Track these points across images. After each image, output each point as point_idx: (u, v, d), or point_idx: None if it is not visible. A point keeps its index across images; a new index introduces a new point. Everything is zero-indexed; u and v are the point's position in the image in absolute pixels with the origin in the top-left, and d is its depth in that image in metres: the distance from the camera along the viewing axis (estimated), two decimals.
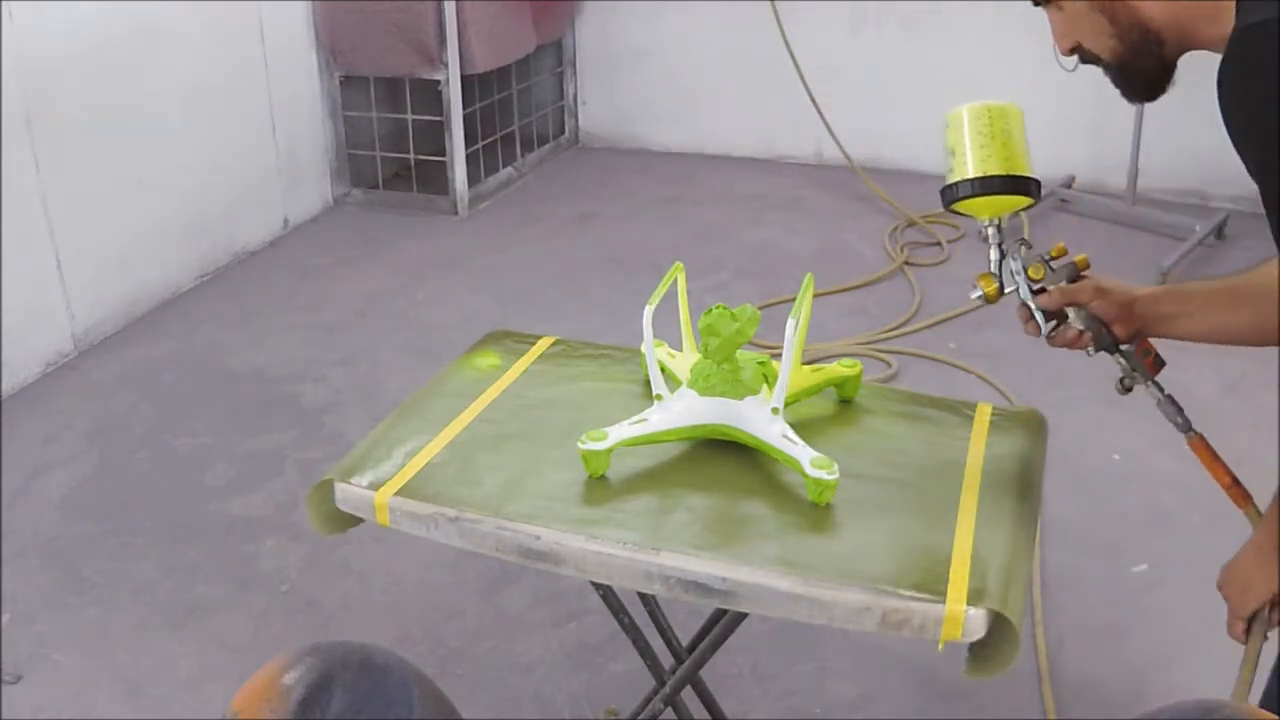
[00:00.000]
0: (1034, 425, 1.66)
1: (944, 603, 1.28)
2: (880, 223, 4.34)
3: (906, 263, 4.00)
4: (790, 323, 1.49)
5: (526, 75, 5.14)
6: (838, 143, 4.65)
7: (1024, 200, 1.41)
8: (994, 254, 1.46)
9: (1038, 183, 1.41)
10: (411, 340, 3.65)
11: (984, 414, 1.67)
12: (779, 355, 1.56)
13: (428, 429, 1.65)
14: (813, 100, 4.58)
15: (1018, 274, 1.45)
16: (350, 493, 1.54)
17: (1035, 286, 1.45)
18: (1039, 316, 1.45)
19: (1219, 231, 4.09)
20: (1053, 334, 1.46)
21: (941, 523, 1.42)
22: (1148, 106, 3.96)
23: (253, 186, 4.31)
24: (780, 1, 4.52)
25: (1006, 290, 1.46)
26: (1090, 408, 3.12)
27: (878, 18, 4.69)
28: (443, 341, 3.52)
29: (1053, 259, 1.45)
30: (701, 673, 1.82)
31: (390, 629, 2.41)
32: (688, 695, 1.84)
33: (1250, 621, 1.45)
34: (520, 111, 5.09)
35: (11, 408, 3.27)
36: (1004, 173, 1.38)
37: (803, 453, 1.46)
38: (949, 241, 4.17)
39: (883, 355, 3.40)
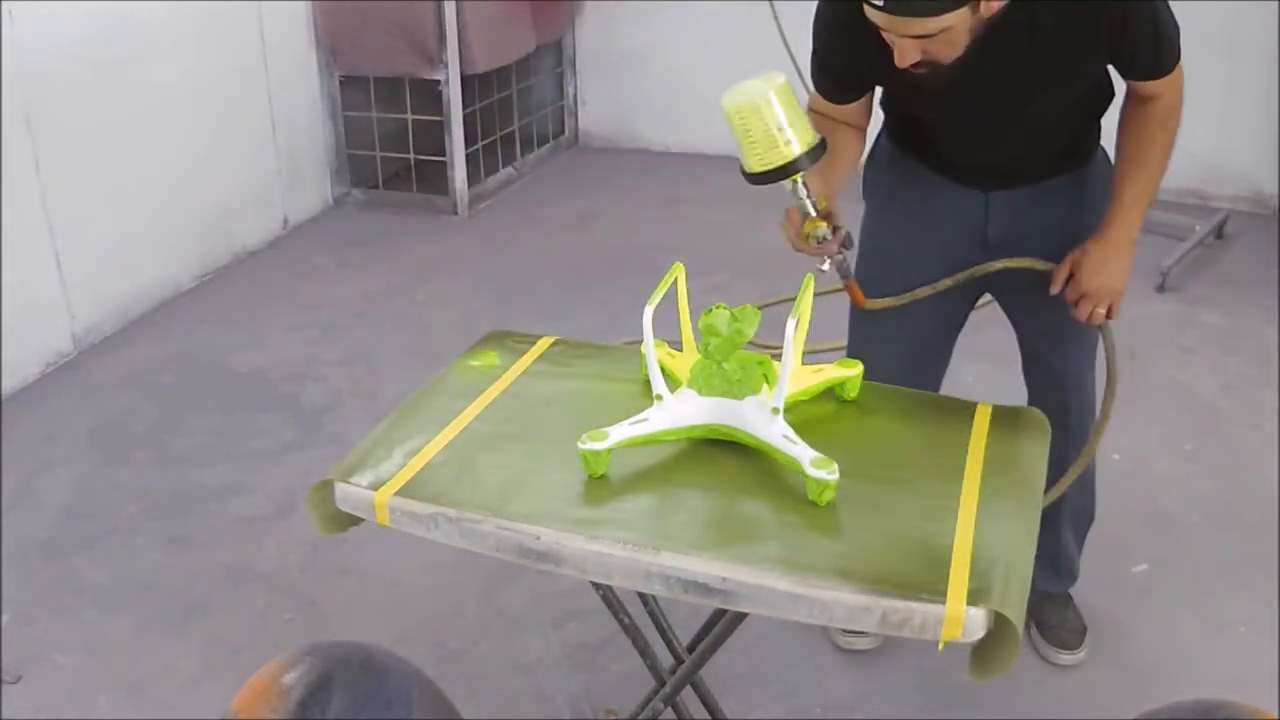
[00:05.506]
0: (1034, 425, 1.66)
1: (944, 603, 1.28)
2: None
3: None
4: (790, 323, 1.50)
5: (526, 75, 5.14)
6: None
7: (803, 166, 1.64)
8: (809, 206, 1.73)
9: (816, 147, 1.67)
10: (411, 340, 3.64)
11: (984, 414, 1.67)
12: (779, 355, 1.56)
13: (428, 429, 1.65)
14: None
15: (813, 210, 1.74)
16: (350, 493, 1.54)
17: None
18: (826, 233, 1.74)
19: (1219, 231, 4.09)
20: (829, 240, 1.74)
21: (941, 523, 1.42)
22: None
23: (252, 186, 4.30)
24: (780, 1, 4.51)
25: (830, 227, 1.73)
26: None
27: None
28: (443, 341, 3.52)
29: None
30: (701, 673, 1.82)
31: (390, 629, 2.41)
32: (688, 695, 1.84)
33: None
34: (520, 111, 5.09)
35: (11, 408, 3.27)
36: (775, 165, 1.68)
37: (803, 452, 1.46)
38: None
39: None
